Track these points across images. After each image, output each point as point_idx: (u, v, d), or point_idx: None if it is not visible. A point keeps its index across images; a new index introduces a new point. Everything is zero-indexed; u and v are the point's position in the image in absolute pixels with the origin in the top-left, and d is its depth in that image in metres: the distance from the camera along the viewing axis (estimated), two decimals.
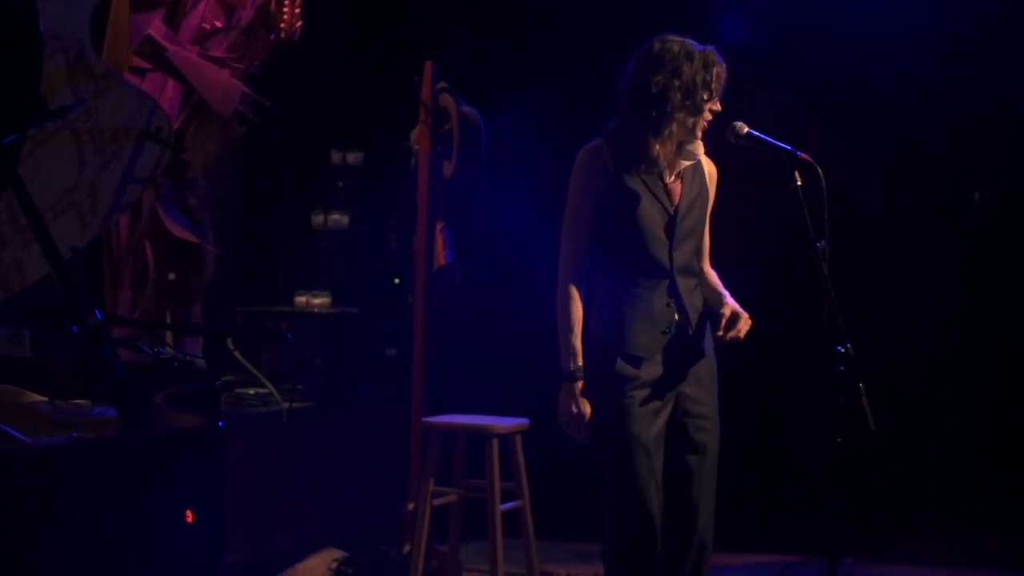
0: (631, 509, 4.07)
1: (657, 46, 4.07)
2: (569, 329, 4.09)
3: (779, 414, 7.71)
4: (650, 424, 4.05)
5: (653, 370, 4.07)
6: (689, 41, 4.09)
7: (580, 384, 4.07)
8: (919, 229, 7.75)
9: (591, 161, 4.08)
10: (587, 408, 4.07)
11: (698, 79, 4.04)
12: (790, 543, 6.71)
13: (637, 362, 4.05)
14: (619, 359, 4.06)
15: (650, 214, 4.08)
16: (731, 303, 4.16)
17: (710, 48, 4.10)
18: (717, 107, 4.11)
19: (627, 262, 4.09)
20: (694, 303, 4.15)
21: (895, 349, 7.57)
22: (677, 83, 4.03)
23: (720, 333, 4.13)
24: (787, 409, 7.68)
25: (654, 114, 4.04)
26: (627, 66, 4.14)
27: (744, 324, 4.11)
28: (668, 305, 4.10)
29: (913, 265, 7.74)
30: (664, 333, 4.08)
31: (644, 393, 4.04)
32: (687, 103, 4.04)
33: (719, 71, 4.07)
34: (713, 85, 4.07)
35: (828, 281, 3.83)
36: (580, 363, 4.07)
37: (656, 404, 4.06)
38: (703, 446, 4.15)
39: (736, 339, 4.11)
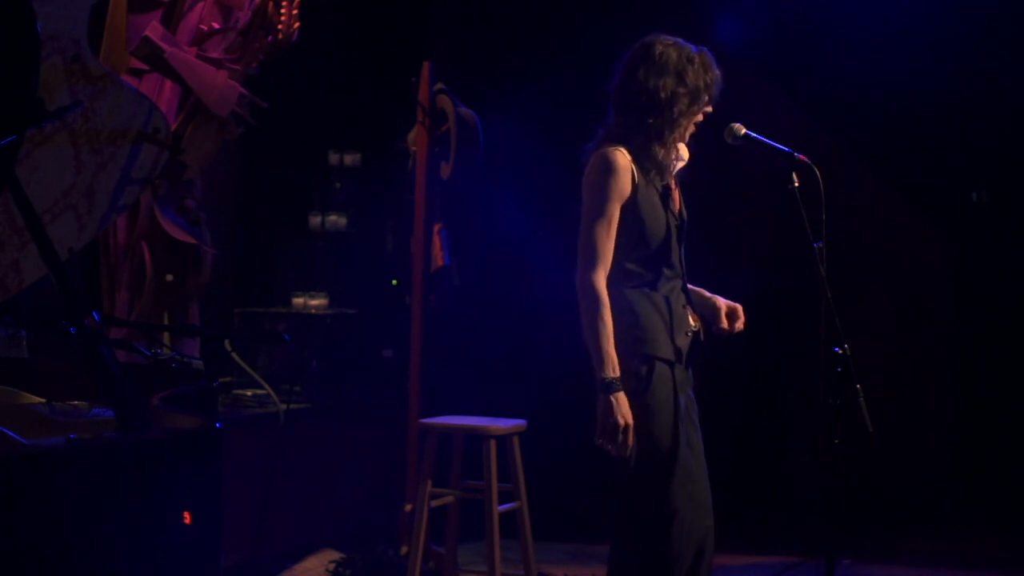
0: (692, 519, 3.98)
1: (659, 49, 4.03)
2: (605, 336, 3.92)
3: (777, 415, 7.71)
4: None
5: (683, 373, 4.08)
6: (684, 44, 4.08)
7: (622, 394, 3.91)
8: (916, 229, 7.75)
9: (623, 164, 4.00)
10: (631, 418, 3.91)
11: (700, 83, 4.03)
12: (788, 544, 6.71)
13: (673, 367, 4.05)
14: (661, 364, 4.01)
15: (667, 220, 4.07)
16: (719, 297, 4.18)
17: (704, 50, 4.10)
18: (709, 109, 4.11)
19: (652, 268, 4.05)
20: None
21: (892, 350, 7.57)
22: (683, 90, 4.02)
23: (725, 326, 4.13)
24: (785, 411, 7.68)
25: (663, 120, 4.02)
26: (621, 68, 4.10)
27: (742, 315, 4.14)
28: (684, 307, 4.10)
29: (910, 265, 7.75)
30: (687, 335, 4.08)
31: (681, 397, 4.04)
32: (693, 108, 4.04)
33: (716, 74, 4.08)
34: (713, 89, 4.07)
35: (825, 282, 3.84)
36: (619, 372, 3.92)
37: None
38: (700, 445, 4.14)
39: (740, 331, 4.13)
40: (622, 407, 3.89)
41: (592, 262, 3.97)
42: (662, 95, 3.99)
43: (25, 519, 2.54)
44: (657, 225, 4.04)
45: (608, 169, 3.99)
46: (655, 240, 4.04)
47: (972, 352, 7.69)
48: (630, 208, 4.01)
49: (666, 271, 4.07)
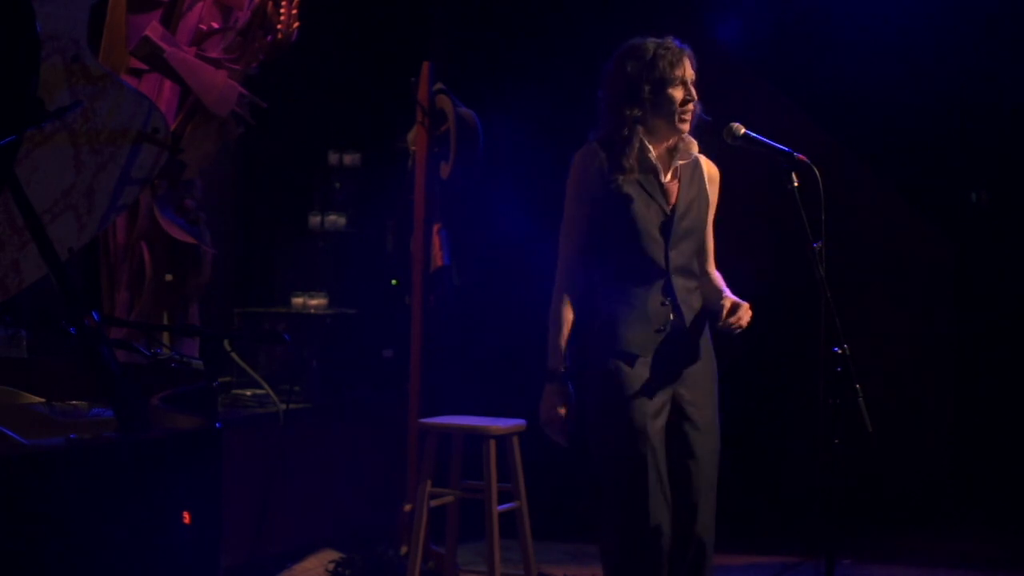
0: (637, 510, 4.02)
1: (613, 63, 4.13)
2: (556, 330, 4.16)
3: (777, 415, 7.71)
4: (651, 422, 4.04)
5: (646, 369, 4.06)
6: (645, 42, 4.10)
7: (550, 386, 4.14)
8: (916, 229, 7.75)
9: (585, 163, 4.10)
10: (564, 410, 4.13)
11: (634, 79, 4.05)
12: (788, 544, 6.71)
13: (631, 359, 4.05)
14: (613, 357, 4.06)
15: (645, 215, 4.07)
16: (730, 295, 4.16)
17: (663, 40, 4.10)
18: (682, 95, 4.08)
19: (622, 262, 4.09)
20: (691, 304, 4.14)
21: (892, 350, 7.57)
22: (623, 88, 4.08)
23: (721, 322, 4.12)
24: (785, 411, 7.67)
25: (620, 121, 4.07)
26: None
27: (745, 312, 4.09)
28: (663, 304, 4.09)
29: (910, 265, 7.74)
30: (659, 331, 4.08)
31: (641, 391, 4.03)
32: (636, 103, 4.07)
33: (665, 64, 4.06)
34: (666, 75, 4.05)
35: (825, 282, 3.83)
36: (563, 366, 4.13)
37: (655, 404, 4.05)
38: (700, 450, 4.12)
39: (739, 327, 4.09)
40: (558, 396, 4.15)
41: (559, 260, 4.18)
42: (610, 100, 4.11)
43: (25, 519, 2.54)
44: (634, 219, 4.06)
45: (572, 170, 4.15)
46: (630, 235, 4.07)
47: (972, 352, 7.68)
48: (600, 204, 4.07)
49: (644, 266, 4.08)
